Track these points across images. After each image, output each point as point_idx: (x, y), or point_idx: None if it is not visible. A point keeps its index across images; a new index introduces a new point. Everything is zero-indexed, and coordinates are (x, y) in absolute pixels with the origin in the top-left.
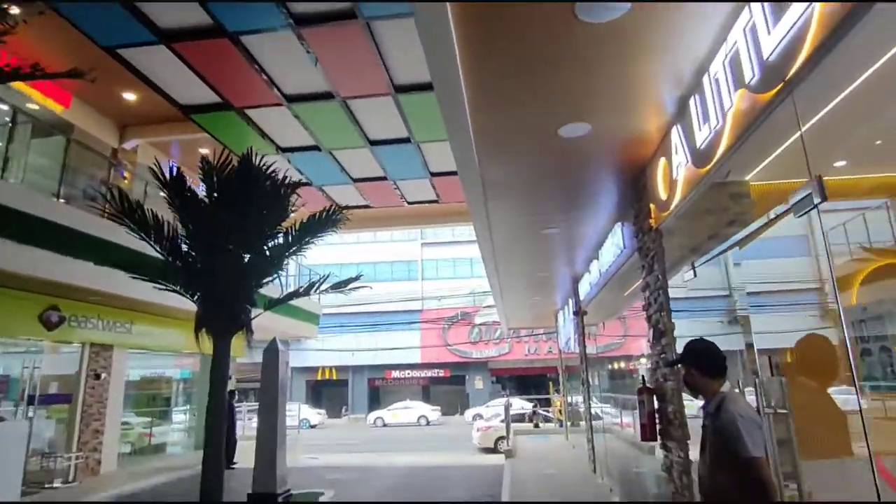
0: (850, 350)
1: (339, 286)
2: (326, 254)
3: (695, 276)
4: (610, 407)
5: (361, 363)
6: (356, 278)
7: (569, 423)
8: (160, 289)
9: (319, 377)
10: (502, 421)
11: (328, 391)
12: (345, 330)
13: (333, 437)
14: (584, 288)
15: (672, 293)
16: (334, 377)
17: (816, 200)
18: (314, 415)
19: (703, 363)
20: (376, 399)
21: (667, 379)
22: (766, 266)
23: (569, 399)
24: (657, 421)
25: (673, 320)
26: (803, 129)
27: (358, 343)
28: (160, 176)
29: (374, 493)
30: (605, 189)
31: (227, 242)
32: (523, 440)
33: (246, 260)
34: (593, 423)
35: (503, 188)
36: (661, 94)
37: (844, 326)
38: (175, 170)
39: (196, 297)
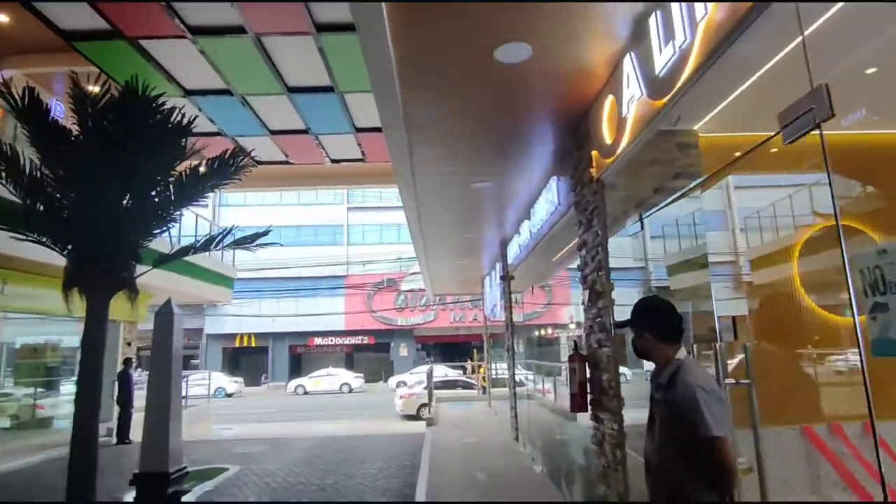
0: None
1: (244, 242)
2: (247, 216)
3: (642, 228)
4: (533, 374)
5: (282, 330)
6: (264, 233)
7: (492, 390)
8: (21, 239)
9: (238, 344)
10: (426, 388)
11: (247, 359)
12: (265, 295)
13: (250, 407)
14: (512, 251)
15: None
16: (253, 344)
17: (821, 116)
18: (230, 383)
19: (658, 324)
20: (298, 367)
21: (602, 345)
22: (685, 241)
23: (493, 366)
24: (588, 391)
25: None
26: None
27: (279, 309)
28: (9, 98)
29: (282, 466)
30: (543, 135)
31: (102, 186)
32: (446, 407)
33: (128, 207)
34: (517, 390)
35: (429, 131)
36: (614, 11)
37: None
38: (33, 93)
39: (66, 249)
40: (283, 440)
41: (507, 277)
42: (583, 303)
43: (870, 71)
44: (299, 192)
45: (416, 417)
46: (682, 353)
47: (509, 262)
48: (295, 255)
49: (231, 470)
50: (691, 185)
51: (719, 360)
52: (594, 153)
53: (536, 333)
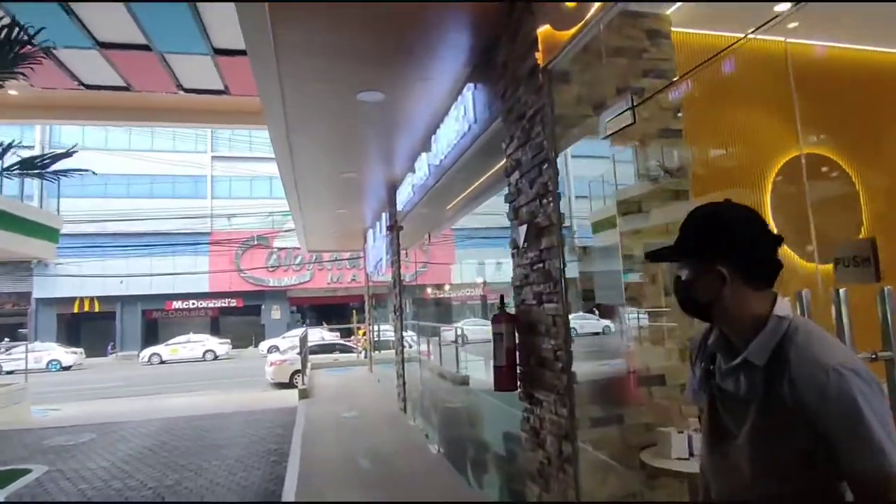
0: None
1: (34, 167)
2: (89, 160)
3: (634, 122)
4: (416, 336)
5: (134, 292)
6: (65, 155)
7: (374, 353)
8: None
9: (77, 310)
10: (299, 353)
11: (90, 326)
12: (111, 253)
13: (90, 381)
14: (403, 195)
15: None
16: (97, 309)
17: None
18: (66, 354)
19: (744, 252)
20: (154, 334)
21: (543, 300)
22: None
23: (375, 328)
24: (517, 362)
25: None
26: None
27: (128, 269)
28: None
29: (108, 463)
30: (458, 20)
31: None
32: (323, 375)
33: None
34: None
35: (305, 26)
36: None
37: None
38: None
39: None
40: (119, 424)
41: (395, 227)
42: (514, 247)
43: None
44: (152, 134)
45: (290, 385)
46: (783, 306)
47: (399, 209)
48: (149, 207)
49: (34, 472)
50: (661, 88)
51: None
52: (543, 30)
53: (427, 292)
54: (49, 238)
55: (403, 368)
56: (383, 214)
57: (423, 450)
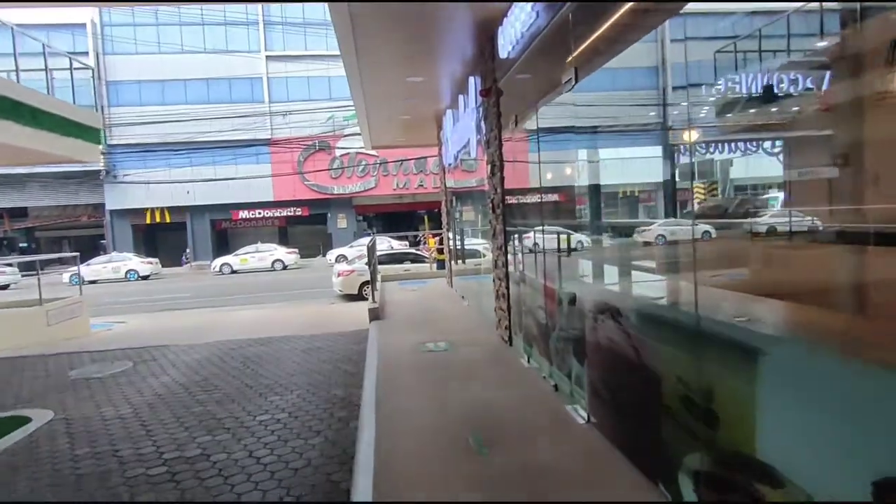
0: None
1: None
2: (139, 66)
3: None
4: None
5: (201, 202)
6: None
7: (454, 264)
8: None
9: (149, 220)
10: (367, 264)
11: (164, 237)
12: (175, 163)
13: (164, 291)
14: (504, 46)
15: None
16: (168, 220)
17: None
18: (142, 265)
19: None
20: (225, 243)
21: None
22: None
23: (456, 234)
24: None
25: None
26: None
27: (193, 177)
28: None
29: (128, 410)
30: None
31: None
32: (394, 289)
33: None
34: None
35: None
36: None
37: None
38: None
39: None
40: (164, 350)
41: (493, 91)
42: None
43: None
44: (204, 37)
45: (359, 297)
46: None
47: (498, 62)
48: (206, 112)
49: (33, 423)
50: None
51: None
52: None
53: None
54: (89, 138)
55: (507, 288)
56: (471, 80)
57: (558, 415)
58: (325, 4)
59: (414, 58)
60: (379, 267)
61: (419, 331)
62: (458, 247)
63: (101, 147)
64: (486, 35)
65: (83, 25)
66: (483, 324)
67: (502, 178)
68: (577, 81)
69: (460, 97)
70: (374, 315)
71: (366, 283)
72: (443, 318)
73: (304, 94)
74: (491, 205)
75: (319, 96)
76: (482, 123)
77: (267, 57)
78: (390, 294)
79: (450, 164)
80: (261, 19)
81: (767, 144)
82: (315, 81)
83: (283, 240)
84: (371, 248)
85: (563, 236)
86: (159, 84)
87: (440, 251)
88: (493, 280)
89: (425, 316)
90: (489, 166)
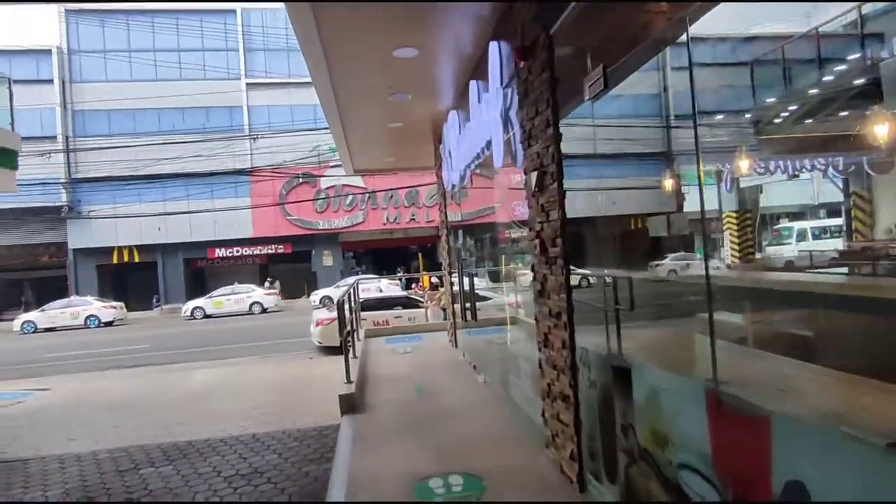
0: None
1: None
2: (109, 92)
3: None
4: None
5: (173, 240)
6: None
7: (456, 318)
8: None
9: (116, 260)
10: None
11: (133, 278)
12: (145, 197)
13: (121, 342)
14: None
15: None
16: (136, 259)
17: None
18: (104, 309)
19: None
20: (201, 284)
21: None
22: None
23: (461, 276)
24: None
25: None
26: None
27: (166, 214)
28: None
29: None
30: None
31: None
32: (381, 350)
33: None
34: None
35: None
36: None
37: None
38: None
39: None
40: (23, 467)
41: (539, 47)
42: None
43: None
44: (180, 67)
45: (342, 349)
46: None
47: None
48: (179, 143)
49: None
50: None
51: None
52: None
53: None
54: (2, 163)
55: (575, 381)
56: (493, 48)
57: None
58: None
59: (404, 21)
60: (364, 315)
61: (418, 446)
62: (466, 298)
63: (15, 173)
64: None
65: (49, 51)
66: (517, 426)
67: (561, 194)
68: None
69: (472, 86)
70: (349, 404)
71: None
72: (451, 412)
73: (287, 123)
74: (537, 239)
75: (303, 125)
76: (513, 112)
77: (247, 84)
78: (375, 358)
79: (454, 187)
80: (241, 45)
81: None
82: (299, 110)
83: (265, 279)
84: (351, 293)
85: None
86: (130, 113)
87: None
88: (542, 367)
89: (425, 408)
90: (532, 176)
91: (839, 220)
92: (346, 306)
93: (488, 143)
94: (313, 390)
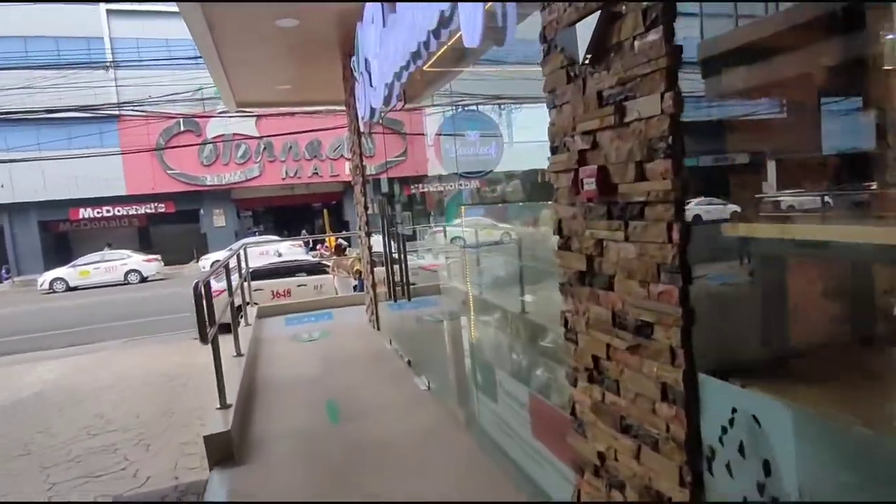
0: None
1: None
2: None
3: None
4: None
5: (22, 199)
6: None
7: (377, 287)
8: None
9: None
10: (244, 279)
11: None
12: None
13: None
14: None
15: None
16: None
17: None
18: None
19: None
20: (65, 250)
21: None
22: None
23: (385, 236)
24: None
25: None
26: None
27: (9, 168)
28: None
29: None
30: None
31: None
32: (277, 338)
33: None
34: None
35: None
36: None
37: None
38: None
39: None
40: None
41: None
42: None
43: None
44: None
45: (233, 328)
46: None
47: None
48: (24, 78)
49: None
50: None
51: None
52: None
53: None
54: None
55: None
56: None
57: None
58: None
59: None
60: (257, 284)
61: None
62: (399, 266)
63: None
64: None
65: None
66: (500, 479)
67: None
68: None
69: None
70: (222, 450)
71: (244, 305)
72: (387, 452)
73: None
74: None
75: (184, 63)
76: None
77: (108, 11)
78: (269, 351)
79: (374, 113)
80: None
81: None
82: (176, 45)
83: (146, 243)
84: (237, 260)
85: None
86: None
87: (359, 272)
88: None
89: (346, 445)
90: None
91: None
92: (238, 267)
93: (445, 19)
94: (189, 390)
